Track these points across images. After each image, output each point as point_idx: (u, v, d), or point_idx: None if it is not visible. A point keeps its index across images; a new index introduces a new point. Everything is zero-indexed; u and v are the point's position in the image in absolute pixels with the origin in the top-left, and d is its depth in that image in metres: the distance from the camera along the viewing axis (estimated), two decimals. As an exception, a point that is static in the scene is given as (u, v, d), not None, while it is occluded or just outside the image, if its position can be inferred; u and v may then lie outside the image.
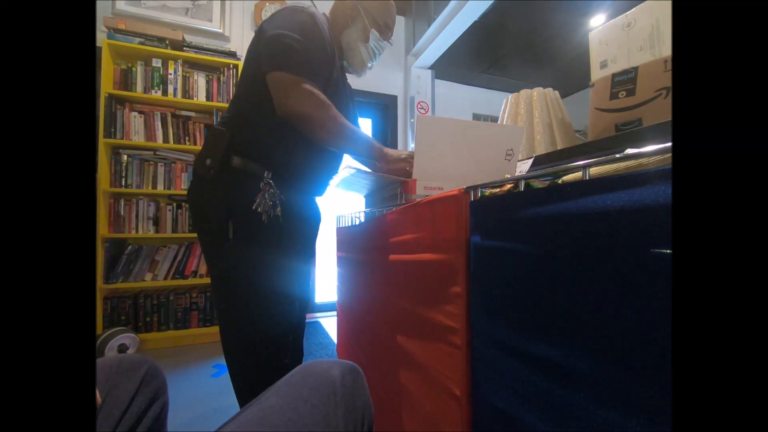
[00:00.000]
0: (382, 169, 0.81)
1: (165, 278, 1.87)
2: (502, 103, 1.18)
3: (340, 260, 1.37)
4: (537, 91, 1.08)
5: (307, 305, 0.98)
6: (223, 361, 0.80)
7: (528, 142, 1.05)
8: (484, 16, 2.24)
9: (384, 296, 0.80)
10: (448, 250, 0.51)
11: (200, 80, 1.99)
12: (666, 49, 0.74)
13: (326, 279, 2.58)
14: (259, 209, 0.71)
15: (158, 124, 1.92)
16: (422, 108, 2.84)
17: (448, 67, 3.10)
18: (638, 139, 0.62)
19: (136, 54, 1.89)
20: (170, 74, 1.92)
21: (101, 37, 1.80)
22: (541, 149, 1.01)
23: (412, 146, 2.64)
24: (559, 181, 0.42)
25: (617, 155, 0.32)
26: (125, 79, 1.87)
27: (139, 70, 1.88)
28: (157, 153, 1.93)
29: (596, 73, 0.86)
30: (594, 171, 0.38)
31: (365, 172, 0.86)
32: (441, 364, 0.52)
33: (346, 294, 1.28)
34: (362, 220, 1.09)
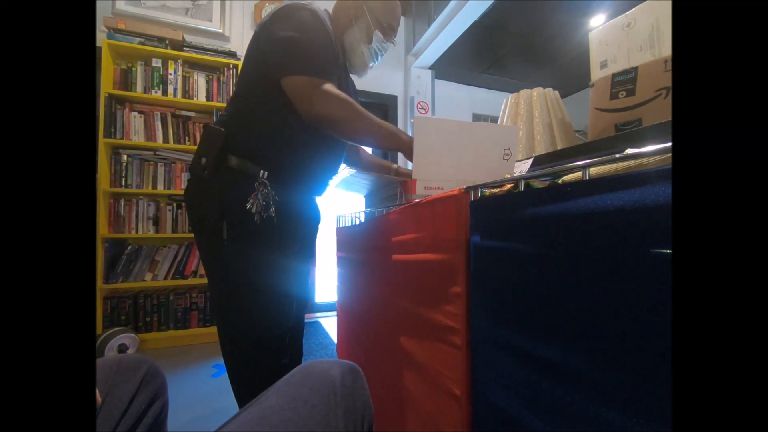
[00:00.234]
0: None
1: (165, 278, 1.87)
2: (502, 103, 1.18)
3: (340, 260, 1.37)
4: (537, 91, 1.08)
5: (306, 305, 0.98)
6: (222, 361, 0.80)
7: (528, 142, 1.05)
8: (484, 16, 2.24)
9: (384, 296, 0.80)
10: (448, 250, 0.51)
11: (200, 80, 1.99)
12: (666, 49, 0.74)
13: (326, 279, 2.58)
14: (252, 209, 0.70)
15: (158, 124, 1.91)
16: (422, 108, 2.84)
17: (448, 67, 3.10)
18: (638, 139, 0.62)
19: (136, 54, 1.89)
20: (170, 74, 1.92)
21: (101, 37, 1.80)
22: (541, 149, 1.01)
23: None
24: (559, 181, 0.42)
25: (617, 155, 0.32)
26: (125, 79, 1.87)
27: (139, 70, 1.88)
28: (157, 153, 1.93)
29: (596, 73, 0.86)
30: (594, 171, 0.38)
31: (365, 172, 0.86)
32: (441, 364, 0.52)
33: (346, 294, 1.28)
34: (362, 220, 1.09)
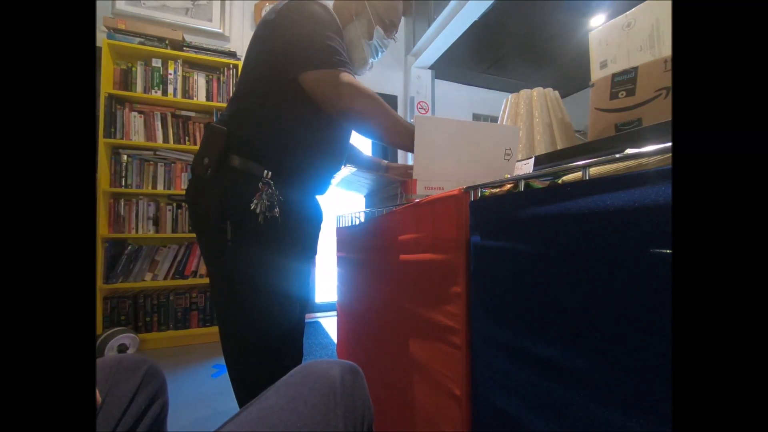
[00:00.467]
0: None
1: (165, 278, 1.87)
2: (502, 103, 1.18)
3: (340, 260, 1.37)
4: (537, 91, 1.08)
5: (306, 305, 0.97)
6: (222, 361, 0.79)
7: (528, 142, 1.05)
8: (484, 16, 2.24)
9: (384, 296, 0.80)
10: (448, 250, 0.51)
11: (200, 80, 1.99)
12: (666, 49, 0.74)
13: (326, 279, 2.58)
14: (256, 210, 0.70)
15: (158, 124, 1.92)
16: (422, 108, 2.84)
17: (448, 67, 3.10)
18: (638, 139, 0.62)
19: (136, 54, 1.89)
20: (170, 74, 1.92)
21: (101, 37, 1.80)
22: (541, 149, 1.01)
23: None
24: (559, 181, 0.42)
25: (617, 155, 0.32)
26: (125, 79, 1.87)
27: (139, 70, 1.88)
28: (157, 153, 1.93)
29: (596, 73, 0.86)
30: (594, 171, 0.38)
31: (365, 171, 0.85)
32: (441, 364, 0.52)
33: (346, 294, 1.28)
34: (362, 220, 1.09)
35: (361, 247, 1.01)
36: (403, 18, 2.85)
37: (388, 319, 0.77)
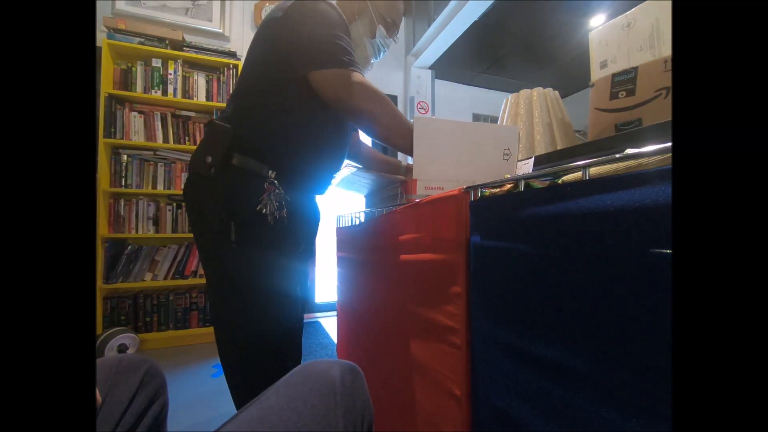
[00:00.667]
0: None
1: (165, 278, 1.87)
2: (502, 103, 1.18)
3: (340, 260, 1.37)
4: (537, 91, 1.08)
5: (305, 305, 0.97)
6: (223, 362, 0.79)
7: (528, 142, 1.05)
8: (484, 16, 2.24)
9: (384, 296, 0.80)
10: (448, 250, 0.51)
11: (200, 80, 1.99)
12: (666, 49, 0.74)
13: (326, 279, 2.58)
14: (264, 211, 0.68)
15: (158, 124, 1.92)
16: (422, 108, 2.84)
17: (448, 67, 3.11)
18: (638, 139, 0.62)
19: (136, 54, 1.89)
20: (170, 74, 1.92)
21: (101, 37, 1.80)
22: (541, 149, 1.01)
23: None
24: (559, 181, 0.42)
25: (617, 155, 0.32)
26: (125, 79, 1.87)
27: (139, 70, 1.88)
28: (157, 153, 1.93)
29: (596, 73, 0.86)
30: (594, 171, 0.38)
31: (365, 171, 0.85)
32: (441, 364, 0.52)
33: (346, 294, 1.28)
34: (362, 220, 1.09)
35: (361, 247, 1.01)
36: (403, 18, 2.85)
37: (388, 319, 0.77)
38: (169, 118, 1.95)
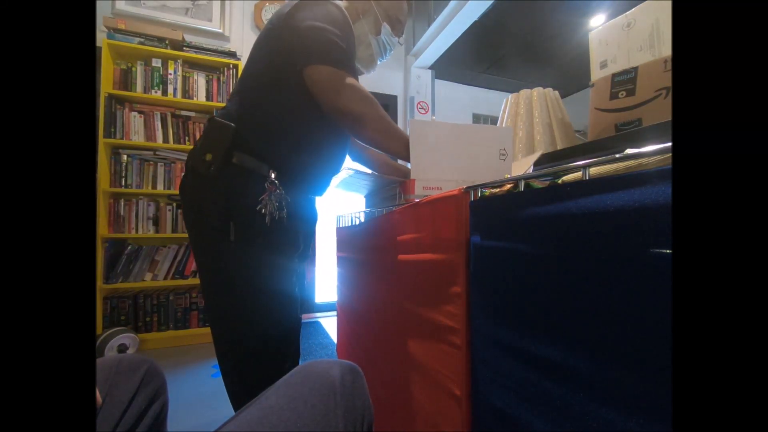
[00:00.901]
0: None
1: (165, 278, 1.87)
2: (502, 103, 1.18)
3: (340, 260, 1.37)
4: (537, 91, 1.08)
5: (304, 305, 0.97)
6: (223, 362, 0.79)
7: (528, 142, 1.05)
8: (484, 16, 2.24)
9: (384, 296, 0.80)
10: (448, 250, 0.51)
11: (200, 80, 1.99)
12: (666, 49, 0.74)
13: (326, 279, 2.58)
14: (263, 210, 0.68)
15: (158, 124, 1.92)
16: (422, 108, 2.84)
17: (448, 67, 3.11)
18: (638, 139, 0.62)
19: (136, 54, 1.89)
20: (170, 74, 1.92)
21: (101, 37, 1.80)
22: (541, 149, 1.01)
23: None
24: (559, 181, 0.42)
25: (617, 155, 0.32)
26: (125, 79, 1.87)
27: (139, 70, 1.88)
28: (157, 153, 1.93)
29: (596, 73, 0.86)
30: (594, 171, 0.38)
31: (365, 172, 0.85)
32: (441, 364, 0.52)
33: (346, 294, 1.28)
34: (362, 220, 1.09)
35: (361, 247, 1.01)
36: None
37: (388, 319, 0.77)
38: (169, 118, 1.95)
